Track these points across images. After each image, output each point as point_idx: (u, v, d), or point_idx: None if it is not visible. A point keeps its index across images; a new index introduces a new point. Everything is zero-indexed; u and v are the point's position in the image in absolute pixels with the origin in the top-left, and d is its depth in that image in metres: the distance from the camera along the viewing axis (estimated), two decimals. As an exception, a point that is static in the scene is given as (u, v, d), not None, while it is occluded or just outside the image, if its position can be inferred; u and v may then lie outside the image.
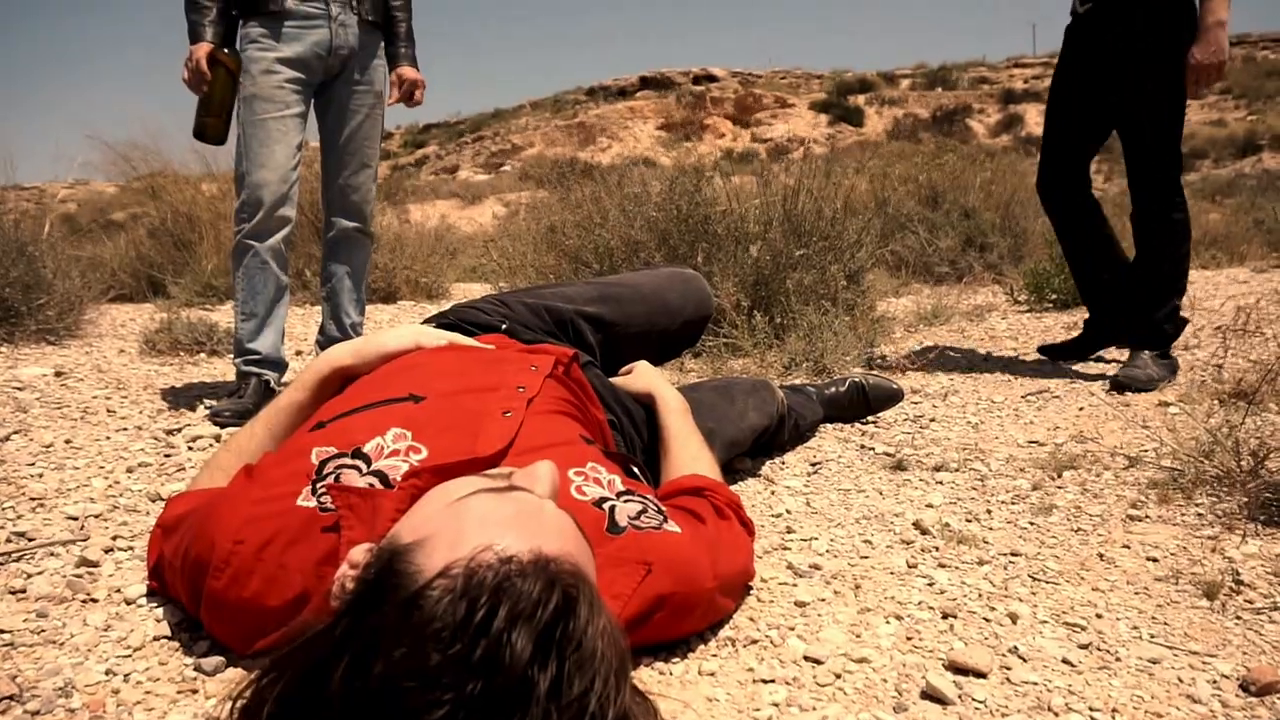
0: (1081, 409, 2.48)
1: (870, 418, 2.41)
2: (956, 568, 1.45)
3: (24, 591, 1.26)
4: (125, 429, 2.17)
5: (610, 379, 1.70)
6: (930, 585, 1.37)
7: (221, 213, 5.39)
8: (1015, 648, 1.18)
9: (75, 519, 1.55)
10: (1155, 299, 2.79)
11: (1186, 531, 1.60)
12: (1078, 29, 2.89)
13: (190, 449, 2.03)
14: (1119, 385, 2.64)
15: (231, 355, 2.60)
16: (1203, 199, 12.73)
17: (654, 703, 0.80)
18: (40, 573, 1.33)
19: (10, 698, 1.00)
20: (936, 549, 1.52)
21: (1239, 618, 1.28)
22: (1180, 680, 1.11)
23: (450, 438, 1.15)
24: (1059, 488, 1.85)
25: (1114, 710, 1.04)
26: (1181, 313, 2.84)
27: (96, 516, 1.57)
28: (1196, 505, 1.71)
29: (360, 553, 0.85)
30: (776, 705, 1.04)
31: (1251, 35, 34.53)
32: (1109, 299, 3.06)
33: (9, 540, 1.44)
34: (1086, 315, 3.20)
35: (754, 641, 1.19)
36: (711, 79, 35.96)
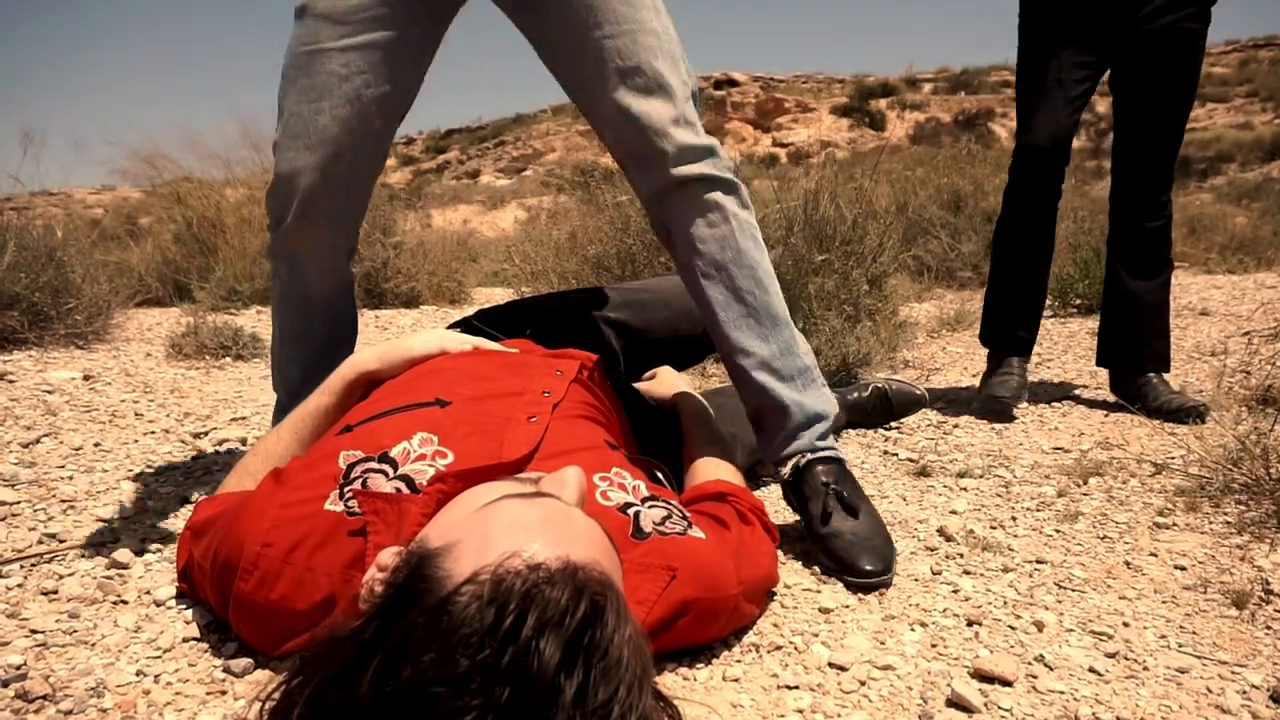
0: (1107, 415, 2.46)
1: (893, 423, 2.40)
2: (981, 575, 1.44)
3: (56, 593, 1.28)
4: (153, 432, 2.20)
5: (633, 384, 1.70)
6: (955, 592, 1.37)
7: (245, 218, 5.44)
8: (1041, 656, 1.17)
9: (105, 521, 1.57)
10: (1162, 319, 2.58)
11: (1214, 540, 1.59)
12: None
13: (218, 452, 2.05)
14: (1194, 416, 2.34)
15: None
16: (1229, 203, 12.59)
17: (678, 708, 0.81)
18: (71, 574, 1.35)
19: (44, 697, 1.01)
20: (961, 556, 1.52)
21: (1269, 627, 1.27)
22: (1209, 690, 1.10)
23: (476, 442, 1.16)
24: (1084, 494, 1.84)
25: (1142, 720, 1.03)
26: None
27: (126, 519, 1.59)
28: (1225, 513, 1.70)
29: (389, 556, 0.85)
30: (801, 712, 1.04)
31: None
32: (1031, 311, 2.67)
33: (41, 542, 1.46)
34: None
35: (778, 648, 1.19)
36: (732, 83, 35.90)
